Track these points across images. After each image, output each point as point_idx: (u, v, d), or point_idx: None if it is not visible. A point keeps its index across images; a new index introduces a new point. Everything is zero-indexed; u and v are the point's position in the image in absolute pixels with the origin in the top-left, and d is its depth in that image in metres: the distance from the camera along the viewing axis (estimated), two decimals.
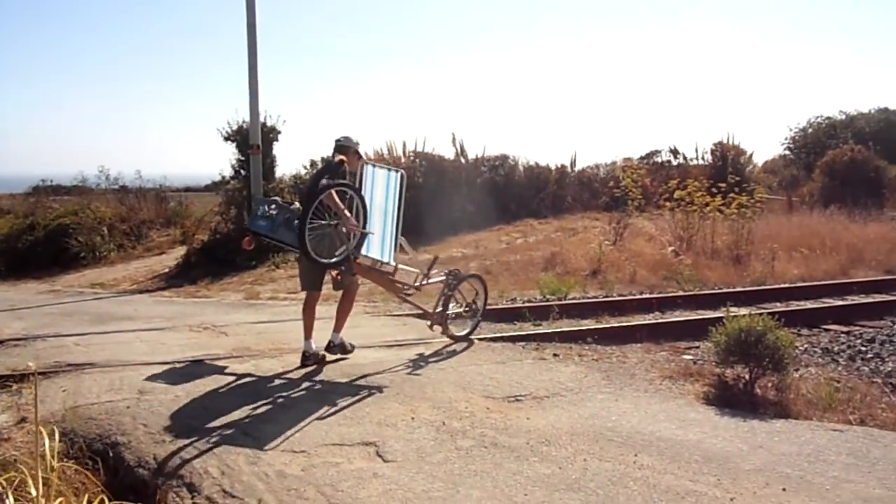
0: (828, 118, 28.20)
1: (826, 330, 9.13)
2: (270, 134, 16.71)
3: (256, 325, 8.53)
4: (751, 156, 23.70)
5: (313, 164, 18.28)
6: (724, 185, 15.02)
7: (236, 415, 5.16)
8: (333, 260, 6.46)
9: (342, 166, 6.54)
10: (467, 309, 7.66)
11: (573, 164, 22.10)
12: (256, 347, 7.31)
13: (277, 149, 17.43)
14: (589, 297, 10.85)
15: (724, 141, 22.95)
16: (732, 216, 14.51)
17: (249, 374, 6.28)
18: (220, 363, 6.68)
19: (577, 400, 5.66)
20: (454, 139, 20.05)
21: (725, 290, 11.35)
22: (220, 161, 21.94)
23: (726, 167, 21.16)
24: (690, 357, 7.25)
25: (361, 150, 7.19)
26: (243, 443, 4.63)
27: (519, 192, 20.22)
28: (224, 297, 11.62)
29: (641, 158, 23.92)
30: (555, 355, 7.13)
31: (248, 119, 15.64)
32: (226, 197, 16.16)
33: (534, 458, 4.42)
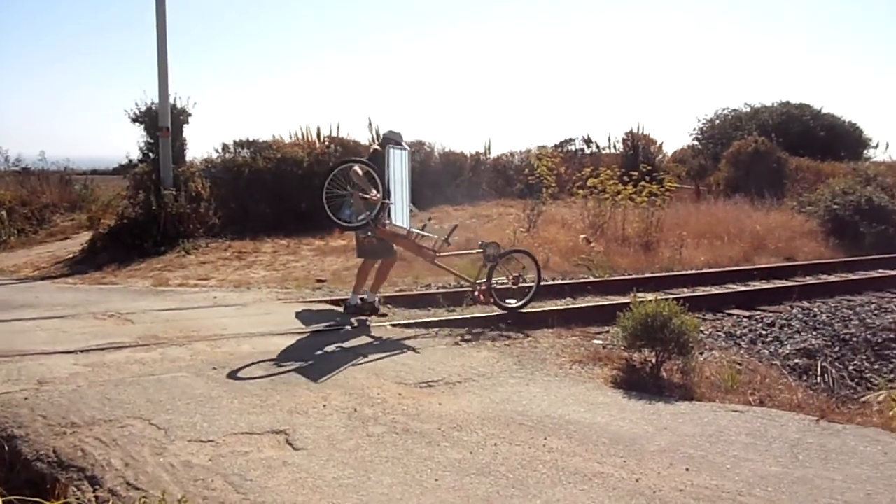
0: (734, 110, 29.03)
1: (729, 314, 9.43)
2: (181, 116, 16.27)
3: (165, 313, 8.30)
4: (661, 145, 24.25)
5: (225, 147, 17.89)
6: (635, 173, 15.34)
7: (142, 405, 5.02)
8: (355, 224, 7.62)
9: (376, 154, 7.88)
10: (514, 282, 8.28)
11: (487, 150, 22.23)
12: (164, 335, 7.12)
13: (188, 131, 17.01)
14: (502, 283, 10.93)
15: (636, 131, 23.42)
16: (643, 204, 14.83)
17: (156, 363, 6.12)
18: (126, 352, 6.48)
19: (488, 385, 5.71)
20: (370, 124, 19.91)
21: (635, 277, 11.60)
22: (127, 143, 21.31)
23: (637, 156, 21.63)
24: (600, 342, 7.38)
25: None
26: (149, 433, 4.51)
27: (434, 179, 20.20)
28: (131, 283, 11.27)
29: (556, 146, 24.18)
30: (467, 340, 7.18)
31: (157, 100, 15.24)
32: (134, 180, 15.63)
33: (445, 443, 4.44)
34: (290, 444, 4.40)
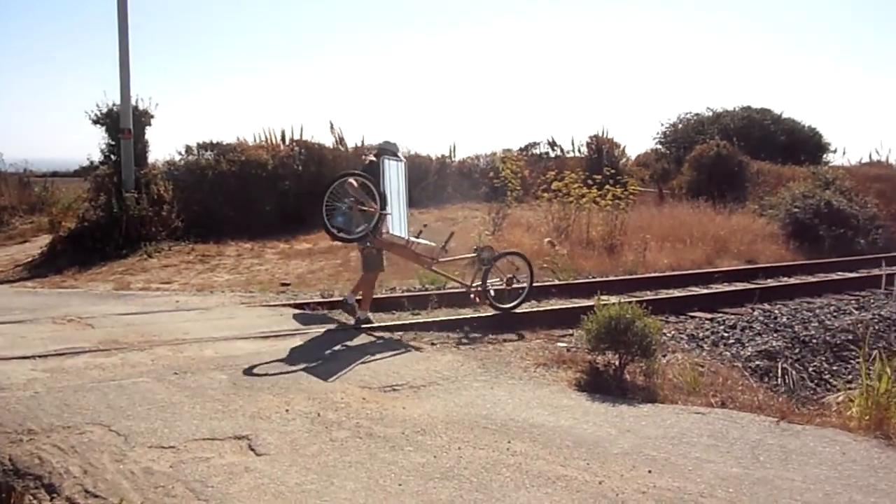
0: (696, 114, 29.28)
1: (692, 317, 9.52)
2: (143, 118, 16.04)
3: (126, 317, 8.19)
4: (624, 149, 24.40)
5: (189, 149, 17.69)
6: (599, 177, 15.44)
7: (101, 411, 4.95)
8: (353, 236, 7.62)
9: (372, 165, 7.93)
10: (508, 284, 8.44)
11: (453, 153, 22.22)
12: (125, 340, 7.02)
13: (150, 133, 16.78)
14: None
15: (600, 134, 23.54)
16: (607, 207, 14.92)
17: (117, 368, 6.04)
18: (86, 357, 6.38)
19: (453, 389, 5.71)
20: (332, 127, 19.85)
21: (599, 279, 11.67)
22: (88, 145, 21.00)
23: (601, 160, 21.75)
24: (564, 344, 7.41)
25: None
26: (108, 440, 4.44)
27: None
28: (92, 287, 11.11)
29: (521, 150, 24.23)
30: (432, 344, 7.18)
31: (118, 102, 15.05)
32: (95, 183, 15.44)
33: (409, 447, 4.43)
34: (252, 449, 4.36)
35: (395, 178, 7.94)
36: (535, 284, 8.85)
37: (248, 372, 5.99)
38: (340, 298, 9.28)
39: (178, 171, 16.81)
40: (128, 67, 14.41)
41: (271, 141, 18.34)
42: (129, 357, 6.42)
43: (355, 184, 7.52)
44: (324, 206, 7.35)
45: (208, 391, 5.45)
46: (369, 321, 7.94)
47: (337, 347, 6.97)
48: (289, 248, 14.63)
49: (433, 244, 8.38)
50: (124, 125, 14.45)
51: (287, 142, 18.45)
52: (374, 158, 8.04)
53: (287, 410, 5.06)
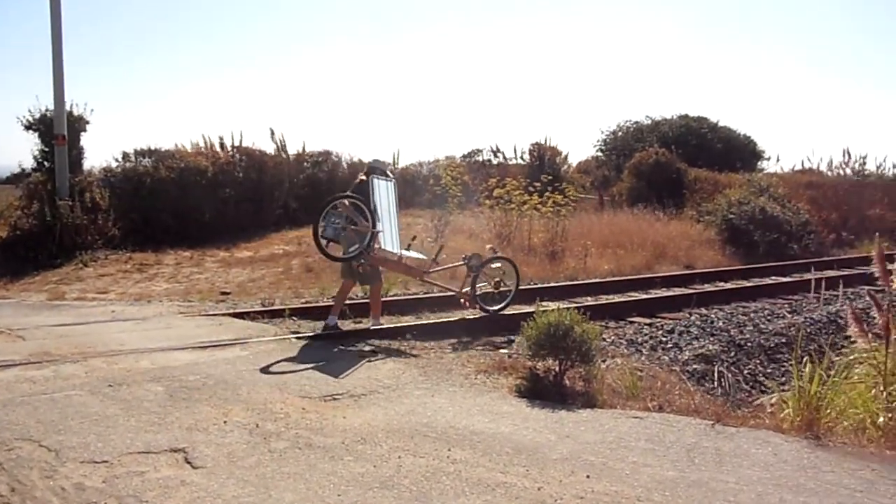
0: (636, 122, 29.80)
1: (631, 322, 9.67)
2: (77, 123, 15.69)
3: (59, 328, 7.99)
4: (566, 156, 24.72)
5: (126, 156, 17.35)
6: (539, 184, 15.59)
7: (31, 426, 4.81)
8: (348, 255, 7.90)
9: (362, 184, 8.14)
10: (496, 287, 8.80)
11: (396, 161, 22.21)
12: (58, 352, 6.84)
13: (85, 140, 16.43)
14: (409, 294, 10.96)
15: (542, 142, 23.80)
16: (548, 214, 15.08)
17: (48, 381, 5.88)
18: (16, 370, 6.20)
19: (394, 397, 5.69)
20: (272, 134, 19.70)
21: (541, 286, 11.76)
22: (20, 152, 20.44)
23: (543, 167, 21.98)
24: (505, 351, 7.46)
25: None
26: (38, 456, 4.32)
27: (343, 189, 19.87)
28: (25, 297, 10.81)
29: (464, 157, 24.39)
30: (373, 352, 7.15)
31: (52, 107, 14.71)
32: (27, 190, 15.01)
33: (349, 457, 4.40)
34: (188, 462, 4.28)
35: (384, 196, 8.20)
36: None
37: (185, 383, 5.89)
38: (282, 307, 9.25)
39: (114, 179, 16.47)
40: (62, 72, 14.10)
41: (210, 148, 18.11)
42: (62, 369, 6.26)
43: (347, 204, 7.84)
44: (318, 231, 7.67)
45: (144, 403, 5.34)
46: (379, 325, 8.23)
47: (277, 357, 6.90)
48: (229, 257, 14.44)
49: (424, 257, 8.79)
50: (58, 131, 14.12)
51: (227, 148, 18.24)
52: (363, 178, 8.23)
53: (225, 422, 4.99)
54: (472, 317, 8.86)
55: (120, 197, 15.67)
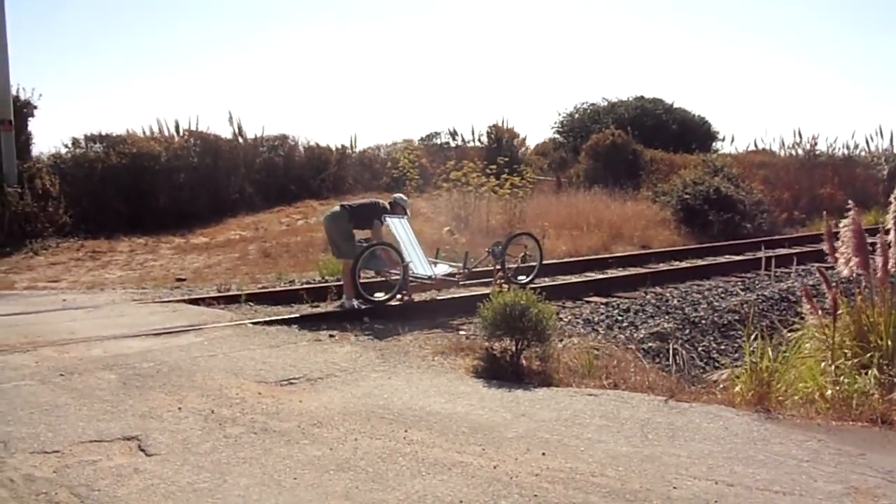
0: (592, 104, 29.83)
1: (588, 302, 9.74)
2: (24, 109, 15.40)
3: (8, 318, 7.83)
4: (524, 139, 24.69)
5: (76, 142, 17.01)
6: (496, 166, 15.61)
7: None
8: (387, 298, 8.58)
9: (384, 210, 8.99)
10: (522, 261, 9.62)
11: (353, 144, 22.07)
12: (6, 342, 6.70)
13: (34, 125, 16.13)
14: (367, 278, 10.91)
15: (500, 124, 23.79)
16: (506, 196, 15.12)
17: None
18: None
19: (350, 380, 5.68)
20: (231, 118, 19.45)
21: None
22: None
23: (501, 149, 21.98)
24: (463, 332, 7.48)
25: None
26: None
27: (299, 173, 19.94)
28: None
29: (422, 139, 24.31)
30: (330, 336, 7.13)
31: None
32: None
33: (305, 440, 4.39)
34: (142, 450, 4.23)
35: (402, 231, 8.96)
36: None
37: (139, 370, 5.82)
38: (238, 292, 9.16)
39: (64, 165, 16.19)
40: (6, 55, 13.76)
41: (164, 132, 17.84)
42: (11, 360, 6.14)
43: (385, 246, 8.71)
44: (357, 268, 8.32)
45: (96, 392, 5.27)
46: (352, 305, 8.52)
47: (233, 343, 6.84)
48: (185, 243, 14.28)
49: (453, 269, 9.24)
50: (4, 116, 13.82)
51: (181, 133, 17.99)
52: (388, 206, 9.09)
53: (179, 408, 4.94)
54: (428, 299, 8.87)
55: (71, 184, 15.41)
